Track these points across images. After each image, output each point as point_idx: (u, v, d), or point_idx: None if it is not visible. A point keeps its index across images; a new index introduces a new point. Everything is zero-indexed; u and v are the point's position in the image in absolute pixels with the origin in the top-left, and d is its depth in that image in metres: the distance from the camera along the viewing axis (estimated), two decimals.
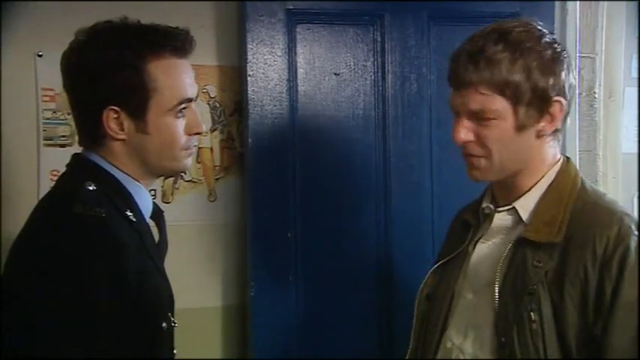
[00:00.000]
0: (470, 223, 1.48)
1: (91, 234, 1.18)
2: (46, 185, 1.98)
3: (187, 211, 2.16)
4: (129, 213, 1.27)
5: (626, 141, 2.47)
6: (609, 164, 2.43)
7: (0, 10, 1.88)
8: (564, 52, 1.34)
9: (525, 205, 1.35)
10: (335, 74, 2.17)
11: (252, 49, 2.08)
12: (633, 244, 1.22)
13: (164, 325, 1.29)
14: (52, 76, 1.98)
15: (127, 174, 1.30)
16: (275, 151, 2.11)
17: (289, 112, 2.12)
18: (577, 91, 2.37)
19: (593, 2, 2.39)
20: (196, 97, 1.35)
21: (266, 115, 2.10)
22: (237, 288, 2.22)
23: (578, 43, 2.38)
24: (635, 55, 2.46)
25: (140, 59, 1.24)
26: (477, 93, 1.29)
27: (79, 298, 1.13)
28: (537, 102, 1.28)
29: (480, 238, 1.42)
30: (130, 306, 1.18)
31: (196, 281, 2.17)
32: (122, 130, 1.26)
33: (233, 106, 2.20)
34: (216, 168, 2.20)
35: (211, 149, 2.19)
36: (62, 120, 2.03)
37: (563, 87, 1.30)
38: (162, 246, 1.41)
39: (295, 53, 2.13)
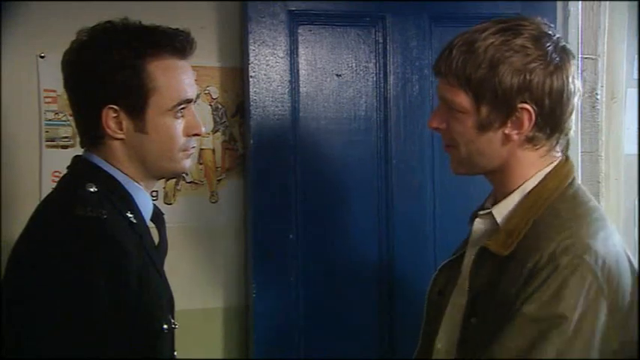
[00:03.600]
0: (473, 220, 1.46)
1: (92, 235, 1.18)
2: (48, 186, 1.98)
3: (189, 212, 2.16)
4: (129, 214, 1.27)
5: (628, 142, 2.46)
6: (611, 166, 2.43)
7: (0, 10, 1.89)
8: (563, 59, 1.25)
9: (502, 211, 1.30)
10: (337, 75, 2.17)
11: (254, 50, 2.09)
12: (569, 267, 1.12)
13: (165, 326, 1.29)
14: (54, 78, 1.98)
15: (127, 175, 1.31)
16: (277, 153, 2.11)
17: (291, 113, 2.12)
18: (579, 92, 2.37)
19: (595, 3, 2.39)
20: (196, 98, 1.36)
21: (268, 116, 2.10)
22: (238, 289, 2.22)
23: (580, 45, 2.37)
24: (636, 57, 2.45)
25: (139, 59, 1.25)
26: (446, 83, 1.28)
27: (79, 299, 1.13)
28: (500, 105, 1.22)
29: (471, 239, 1.42)
30: (130, 307, 1.18)
31: (198, 282, 2.17)
32: (121, 129, 1.27)
33: (235, 107, 2.21)
34: (218, 169, 2.21)
35: (213, 150, 2.19)
36: (64, 121, 2.04)
37: (543, 93, 1.21)
38: (162, 248, 1.40)
39: (297, 54, 2.13)
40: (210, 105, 2.19)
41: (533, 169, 1.28)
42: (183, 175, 2.13)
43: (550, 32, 1.28)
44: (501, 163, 1.29)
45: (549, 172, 1.28)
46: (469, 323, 1.26)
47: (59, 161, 1.96)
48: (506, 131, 1.25)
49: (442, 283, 1.47)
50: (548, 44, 1.24)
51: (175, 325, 1.35)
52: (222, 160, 2.21)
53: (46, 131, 2.04)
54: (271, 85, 2.10)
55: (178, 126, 1.29)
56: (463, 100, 1.25)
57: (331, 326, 2.14)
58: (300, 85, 2.14)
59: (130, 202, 1.29)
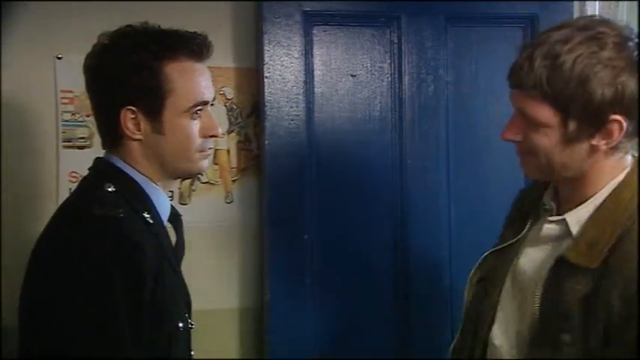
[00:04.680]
0: (529, 214, 1.42)
1: (109, 234, 1.20)
2: (65, 186, 2.01)
3: (204, 212, 2.16)
4: (146, 215, 1.29)
5: None
6: None
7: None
8: None
9: (576, 219, 1.26)
10: (351, 76, 2.17)
11: (268, 50, 2.09)
12: None
13: (181, 325, 1.30)
14: (71, 79, 2.01)
15: (145, 175, 1.32)
16: (292, 153, 2.11)
17: (306, 113, 2.12)
18: None
19: (612, 3, 2.37)
20: (213, 100, 1.37)
21: (283, 116, 2.10)
22: (253, 290, 2.22)
23: None
24: None
25: (157, 61, 1.27)
26: (526, 96, 1.23)
27: (96, 297, 1.14)
28: (590, 118, 1.18)
29: (531, 237, 1.39)
30: (146, 306, 1.19)
31: (213, 283, 2.17)
32: (139, 130, 1.29)
33: (250, 107, 2.21)
34: (233, 170, 2.21)
35: (228, 151, 2.20)
36: (81, 122, 2.05)
37: (632, 102, 1.18)
38: (179, 248, 1.42)
39: (312, 55, 2.14)
40: (225, 105, 2.19)
41: (609, 177, 1.26)
42: (199, 175, 2.14)
43: (631, 35, 1.23)
44: (582, 171, 1.26)
45: (622, 180, 1.26)
46: (559, 340, 1.21)
47: (76, 162, 1.98)
48: (594, 142, 1.22)
49: (485, 271, 1.45)
50: (632, 50, 1.20)
51: (192, 324, 1.36)
52: (237, 160, 2.21)
53: (63, 132, 2.05)
54: (286, 86, 2.11)
55: (195, 127, 1.31)
56: (547, 114, 1.22)
57: (346, 326, 2.14)
58: (315, 86, 2.14)
59: (146, 203, 1.31)
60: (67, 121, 2.05)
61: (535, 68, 1.20)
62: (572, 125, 1.20)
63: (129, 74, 1.27)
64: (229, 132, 2.20)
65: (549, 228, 1.33)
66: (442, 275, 2.20)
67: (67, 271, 1.16)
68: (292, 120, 2.11)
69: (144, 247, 1.22)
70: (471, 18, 2.23)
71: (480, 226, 2.21)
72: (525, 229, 1.40)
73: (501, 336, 1.36)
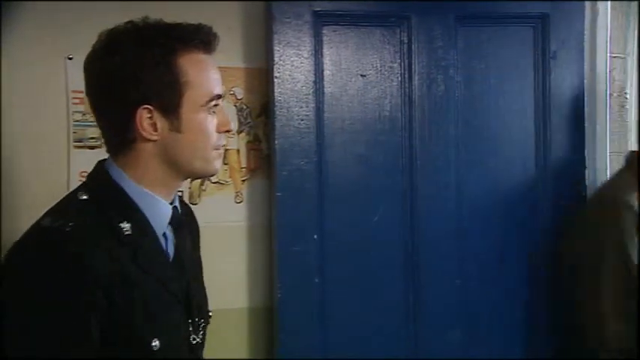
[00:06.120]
0: None
1: (48, 247, 1.15)
2: (76, 186, 2.01)
3: (214, 212, 2.16)
4: (123, 225, 1.21)
5: None
6: None
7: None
8: None
9: None
10: (361, 76, 2.17)
11: (278, 50, 2.09)
12: None
13: (154, 343, 1.20)
14: (82, 79, 2.01)
15: (141, 184, 1.25)
16: (301, 153, 2.11)
17: (316, 113, 2.12)
18: (608, 92, 2.34)
19: (624, 2, 2.36)
20: (223, 96, 1.35)
21: (292, 116, 2.10)
22: (263, 290, 2.22)
23: (609, 44, 2.34)
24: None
25: (170, 54, 1.21)
26: None
27: (29, 308, 1.11)
28: None
29: None
30: (86, 322, 1.13)
31: (223, 283, 2.17)
32: (155, 130, 1.21)
33: (260, 107, 2.21)
34: (243, 169, 2.21)
35: (238, 151, 2.20)
36: (91, 122, 2.03)
37: None
38: (181, 258, 1.31)
39: (322, 55, 2.13)
40: (235, 105, 2.19)
41: None
42: (212, 176, 2.15)
43: None
44: None
45: None
46: None
47: (86, 161, 1.97)
48: None
49: None
50: None
51: (196, 338, 1.30)
52: (247, 160, 2.21)
53: (74, 132, 2.06)
54: (296, 86, 2.10)
55: (212, 122, 1.25)
56: None
57: (356, 327, 2.14)
58: (325, 86, 2.14)
59: (130, 212, 1.23)
60: (77, 121, 2.06)
61: None
62: None
63: (142, 71, 1.19)
64: (239, 132, 2.20)
65: None
66: (452, 276, 2.19)
67: (9, 281, 1.14)
68: (302, 120, 2.11)
69: (91, 260, 1.14)
70: (481, 17, 2.22)
71: (490, 225, 2.22)
72: None
73: None
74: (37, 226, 1.18)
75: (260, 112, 2.21)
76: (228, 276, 2.19)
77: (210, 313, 1.40)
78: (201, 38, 1.25)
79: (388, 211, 2.17)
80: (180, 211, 1.33)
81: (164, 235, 1.28)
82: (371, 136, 2.17)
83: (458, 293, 2.18)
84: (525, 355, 2.23)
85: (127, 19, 1.30)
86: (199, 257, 1.45)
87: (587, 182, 2.28)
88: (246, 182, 2.22)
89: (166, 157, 1.24)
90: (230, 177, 2.20)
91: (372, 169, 2.17)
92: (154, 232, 1.26)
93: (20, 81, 2.02)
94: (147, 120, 1.20)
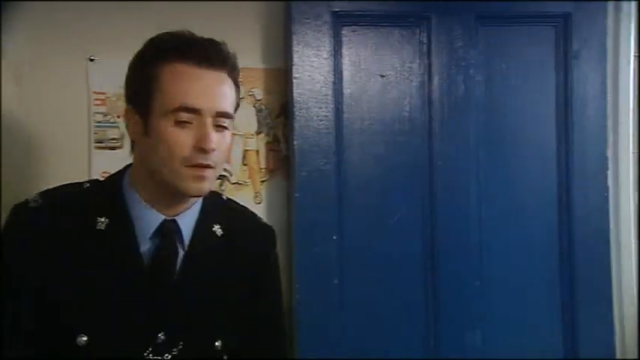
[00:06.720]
0: None
1: (9, 216, 1.26)
2: None
3: None
4: (100, 219, 1.26)
5: None
6: None
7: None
8: None
9: None
10: (381, 76, 2.16)
11: (297, 51, 2.09)
12: None
13: (81, 339, 1.22)
14: (103, 80, 2.04)
15: (132, 187, 1.30)
16: (320, 154, 2.11)
17: (335, 114, 2.12)
18: (631, 91, 2.31)
19: None
20: (220, 112, 1.25)
21: (311, 117, 2.10)
22: (282, 291, 2.22)
23: (633, 44, 2.31)
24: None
25: (152, 61, 1.25)
26: None
27: None
28: None
29: None
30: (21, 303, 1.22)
31: None
32: (134, 131, 1.29)
33: (279, 108, 2.21)
34: (262, 170, 2.21)
35: (257, 152, 2.20)
36: (112, 123, 2.07)
37: None
38: (162, 270, 1.29)
39: (341, 55, 2.13)
40: (254, 106, 2.20)
41: None
42: (227, 175, 2.15)
43: None
44: None
45: None
46: None
47: (107, 162, 2.00)
48: None
49: None
50: None
51: (166, 355, 1.28)
52: (266, 161, 2.22)
53: (95, 133, 2.08)
54: (315, 86, 2.10)
55: (179, 134, 1.22)
56: None
57: (375, 329, 2.13)
58: (344, 86, 2.14)
59: (114, 210, 1.27)
60: (99, 122, 2.08)
61: None
62: None
63: (131, 74, 1.28)
64: (258, 133, 2.20)
65: None
66: (473, 276, 2.17)
67: None
68: (321, 120, 2.11)
69: (27, 241, 1.23)
70: (503, 17, 2.21)
71: (511, 226, 2.20)
72: None
73: None
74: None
75: (279, 112, 2.22)
76: None
77: (218, 345, 1.35)
78: (189, 50, 1.24)
79: (408, 211, 2.16)
80: (183, 232, 1.32)
81: (155, 241, 1.29)
82: (390, 137, 2.16)
83: (477, 294, 2.16)
84: (544, 356, 2.21)
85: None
86: (234, 291, 1.39)
87: (609, 182, 2.26)
88: (265, 183, 2.22)
89: (145, 162, 1.28)
90: (249, 178, 2.20)
91: (392, 170, 2.16)
92: (131, 235, 1.27)
93: (42, 82, 2.04)
94: (131, 120, 1.29)
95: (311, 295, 2.08)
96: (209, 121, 1.23)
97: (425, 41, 2.18)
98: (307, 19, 2.09)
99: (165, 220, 1.29)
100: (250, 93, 2.18)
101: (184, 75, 1.23)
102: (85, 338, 1.22)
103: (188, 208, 1.33)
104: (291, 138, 2.13)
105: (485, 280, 2.16)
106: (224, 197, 1.52)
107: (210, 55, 1.24)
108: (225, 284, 1.38)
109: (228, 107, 1.27)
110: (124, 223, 1.27)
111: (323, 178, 2.10)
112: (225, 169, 2.17)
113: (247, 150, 2.19)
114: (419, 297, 2.17)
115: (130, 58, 1.30)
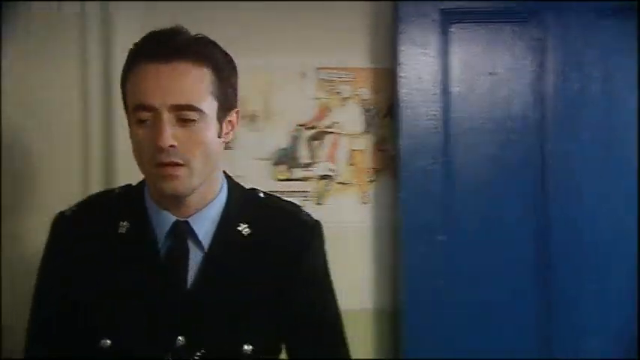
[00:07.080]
0: None
1: (50, 226, 1.34)
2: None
3: (340, 212, 2.19)
4: (122, 223, 1.28)
5: None
6: None
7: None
8: None
9: None
10: (490, 74, 2.12)
11: (404, 50, 2.08)
12: None
13: (105, 342, 1.23)
14: None
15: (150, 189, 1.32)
16: (428, 153, 2.09)
17: (442, 113, 2.09)
18: None
19: None
20: (176, 106, 1.18)
21: (419, 116, 2.09)
22: (388, 292, 2.22)
23: None
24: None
25: (130, 61, 1.24)
26: None
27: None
28: None
29: None
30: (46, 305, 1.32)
31: (348, 283, 2.17)
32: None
33: (386, 108, 2.21)
34: (369, 170, 2.22)
35: (364, 152, 2.21)
36: None
37: None
38: (171, 268, 1.27)
39: (449, 53, 2.11)
40: (362, 107, 2.21)
41: None
42: (331, 175, 2.17)
43: None
44: None
45: None
46: None
47: None
48: None
49: None
50: None
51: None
52: (373, 161, 2.22)
53: None
54: (422, 86, 2.09)
55: (140, 133, 1.19)
56: None
57: (484, 330, 2.08)
58: (452, 85, 2.11)
59: (136, 214, 1.29)
60: None
61: None
62: None
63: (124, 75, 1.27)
64: (365, 133, 2.21)
65: None
66: (587, 280, 2.09)
67: None
68: (428, 120, 2.09)
69: (62, 249, 1.30)
70: (622, 10, 2.10)
71: (630, 225, 2.09)
72: None
73: None
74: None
75: (386, 112, 2.21)
76: (354, 277, 2.20)
77: (247, 349, 1.28)
78: (145, 47, 1.22)
79: (518, 212, 2.10)
80: (199, 233, 1.28)
81: (168, 242, 1.27)
82: (500, 136, 2.11)
83: (593, 297, 2.08)
84: None
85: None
86: (264, 294, 1.31)
87: None
88: (372, 183, 2.22)
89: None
90: (356, 178, 2.21)
91: (502, 169, 2.11)
92: (150, 238, 1.27)
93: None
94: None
95: (418, 295, 2.07)
96: (165, 117, 1.16)
97: (537, 37, 2.12)
98: (415, 18, 2.09)
99: (177, 222, 1.27)
100: (357, 93, 2.19)
101: (140, 73, 1.19)
102: (108, 342, 1.23)
103: (200, 209, 1.28)
104: (397, 137, 2.12)
105: (603, 281, 2.07)
106: (261, 194, 1.40)
107: (165, 48, 1.18)
108: (252, 285, 1.30)
109: (189, 99, 1.18)
110: (142, 226, 1.27)
111: (430, 177, 2.08)
112: (330, 169, 2.19)
113: (354, 150, 2.20)
114: (531, 300, 2.10)
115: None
